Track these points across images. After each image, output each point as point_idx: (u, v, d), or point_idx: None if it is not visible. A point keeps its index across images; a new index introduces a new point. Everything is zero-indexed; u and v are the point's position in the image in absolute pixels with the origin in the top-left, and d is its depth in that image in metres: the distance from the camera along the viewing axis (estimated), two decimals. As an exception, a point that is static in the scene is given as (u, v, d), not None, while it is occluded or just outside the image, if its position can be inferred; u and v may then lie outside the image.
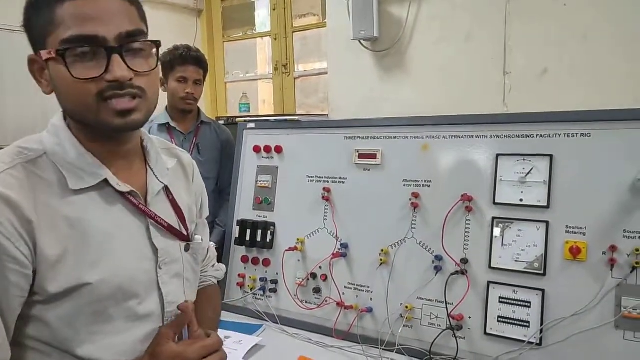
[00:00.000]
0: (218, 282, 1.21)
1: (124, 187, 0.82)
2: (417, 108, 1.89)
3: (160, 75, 2.07)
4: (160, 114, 2.10)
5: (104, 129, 0.77)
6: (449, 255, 1.38)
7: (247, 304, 1.75)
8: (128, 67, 0.74)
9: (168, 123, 2.07)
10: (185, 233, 0.92)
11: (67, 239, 0.75)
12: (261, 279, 1.74)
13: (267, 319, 1.67)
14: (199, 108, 2.17)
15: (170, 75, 2.04)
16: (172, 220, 0.90)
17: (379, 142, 1.60)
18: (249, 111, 3.02)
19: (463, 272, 1.36)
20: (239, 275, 1.78)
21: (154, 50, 0.81)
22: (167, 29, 3.06)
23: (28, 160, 0.76)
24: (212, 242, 2.02)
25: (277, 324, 1.64)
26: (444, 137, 1.49)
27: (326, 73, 2.56)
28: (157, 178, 0.89)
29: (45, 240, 0.72)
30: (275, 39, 2.95)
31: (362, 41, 2.19)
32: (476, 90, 1.94)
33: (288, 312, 1.66)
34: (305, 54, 2.99)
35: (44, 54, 0.74)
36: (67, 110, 0.81)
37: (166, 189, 0.92)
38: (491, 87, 1.90)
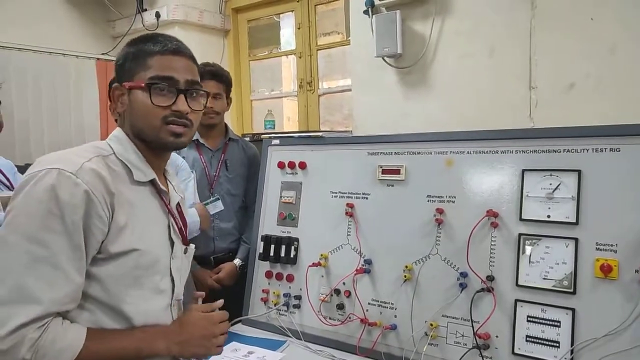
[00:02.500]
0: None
1: (163, 188, 1.09)
2: (442, 123, 1.89)
3: None
4: (188, 131, 2.15)
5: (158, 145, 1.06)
6: (474, 272, 1.36)
7: (271, 320, 1.75)
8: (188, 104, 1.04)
9: (197, 139, 2.11)
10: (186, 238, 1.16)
11: (128, 215, 0.99)
12: (285, 295, 1.75)
13: (290, 335, 1.66)
14: (226, 125, 2.21)
15: None
16: (178, 224, 1.14)
17: (403, 157, 1.60)
18: (274, 128, 3.06)
19: (489, 290, 1.33)
20: (262, 290, 1.79)
21: (204, 97, 1.10)
22: (196, 49, 3.13)
23: (103, 155, 1.00)
24: (237, 260, 2.06)
25: (301, 340, 1.63)
26: (468, 152, 1.47)
27: (350, 90, 2.59)
28: (175, 191, 1.16)
29: (118, 211, 0.96)
30: (300, 57, 2.99)
31: (385, 58, 2.21)
32: (501, 105, 1.93)
33: (311, 328, 1.66)
34: (329, 72, 3.03)
35: (130, 84, 1.02)
36: (135, 127, 1.05)
37: (178, 202, 1.17)
38: (517, 102, 1.88)
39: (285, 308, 1.74)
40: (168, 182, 1.15)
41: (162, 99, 1.02)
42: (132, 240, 0.98)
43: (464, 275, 1.38)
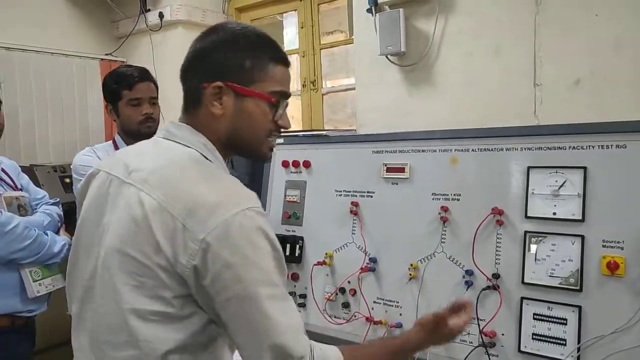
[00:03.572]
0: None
1: None
2: (446, 121, 1.88)
3: None
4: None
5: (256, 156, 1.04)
6: (480, 270, 1.36)
7: (276, 319, 1.75)
8: None
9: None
10: None
11: None
12: (290, 293, 1.74)
13: (295, 334, 1.66)
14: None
15: None
16: None
17: (407, 155, 1.60)
18: (277, 127, 3.06)
19: (495, 288, 1.33)
20: (268, 289, 1.79)
21: None
22: (198, 49, 3.14)
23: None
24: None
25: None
26: (473, 150, 1.47)
27: (354, 89, 2.58)
28: None
29: None
30: (303, 56, 2.99)
31: (389, 56, 2.20)
32: (506, 102, 1.92)
33: (317, 327, 1.66)
34: (332, 71, 3.02)
35: (249, 91, 0.92)
36: (235, 134, 0.95)
37: None
38: (521, 100, 1.87)
39: (290, 307, 1.73)
40: None
41: (279, 114, 0.96)
42: None
43: (469, 273, 1.37)
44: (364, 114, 2.37)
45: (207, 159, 0.94)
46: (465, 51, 2.03)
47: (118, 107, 1.80)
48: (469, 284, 1.37)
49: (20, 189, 1.70)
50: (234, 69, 0.93)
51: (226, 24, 1.04)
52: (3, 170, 1.67)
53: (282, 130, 0.99)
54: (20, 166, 3.00)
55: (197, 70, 0.96)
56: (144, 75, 1.84)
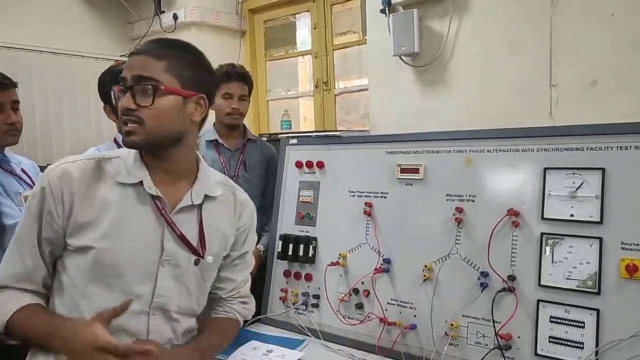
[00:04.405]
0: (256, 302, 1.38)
1: (153, 191, 1.06)
2: (460, 122, 1.87)
3: None
4: (208, 131, 2.16)
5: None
6: (495, 272, 1.35)
7: (289, 319, 1.75)
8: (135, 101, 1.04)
9: (216, 140, 2.13)
10: (197, 248, 1.12)
11: (96, 213, 1.02)
12: (303, 294, 1.75)
13: (309, 334, 1.67)
14: (244, 125, 2.22)
15: (217, 92, 2.11)
16: (192, 234, 1.11)
17: (421, 156, 1.59)
18: (290, 128, 3.07)
19: (511, 290, 1.32)
20: (281, 289, 1.79)
21: (152, 90, 1.06)
22: (212, 50, 3.15)
23: (106, 158, 1.08)
24: (260, 245, 2.05)
25: (320, 339, 1.63)
26: (488, 151, 1.46)
27: (366, 89, 2.58)
28: (191, 196, 1.12)
29: (80, 209, 1.01)
30: (316, 57, 3.00)
31: (402, 57, 2.20)
32: (521, 103, 1.90)
33: (330, 327, 1.66)
34: (345, 71, 3.03)
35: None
36: None
37: (199, 210, 1.13)
38: (537, 100, 1.86)
39: (304, 307, 1.74)
40: (191, 188, 1.13)
41: (120, 100, 1.05)
42: (92, 238, 1.02)
43: (484, 274, 1.36)
44: (377, 115, 2.37)
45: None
46: (479, 51, 2.02)
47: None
48: (484, 286, 1.36)
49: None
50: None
51: None
52: (23, 170, 1.70)
53: (126, 112, 1.03)
54: (38, 166, 3.05)
55: None
56: None
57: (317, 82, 2.99)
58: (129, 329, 1.04)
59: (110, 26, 3.43)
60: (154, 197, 1.07)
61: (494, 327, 1.30)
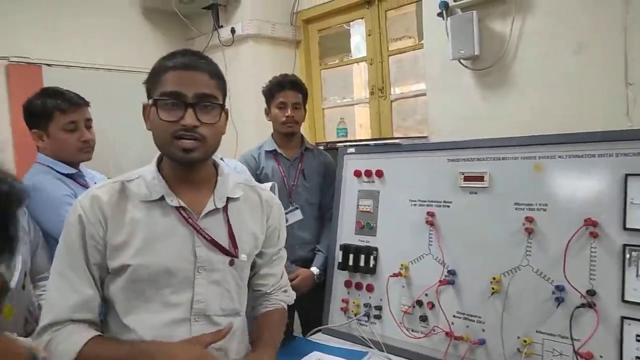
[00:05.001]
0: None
1: (175, 203, 1.09)
2: (525, 126, 1.79)
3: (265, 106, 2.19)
4: (267, 141, 2.20)
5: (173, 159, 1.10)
6: (572, 286, 1.26)
7: (351, 330, 1.74)
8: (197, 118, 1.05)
9: (275, 150, 2.16)
10: (229, 249, 1.13)
11: (128, 233, 1.05)
12: (365, 305, 1.73)
13: (372, 346, 1.64)
14: (302, 135, 2.23)
15: (272, 103, 2.14)
16: (222, 237, 1.13)
17: (486, 163, 1.53)
18: (346, 136, 3.06)
19: (591, 305, 1.23)
20: (342, 300, 1.78)
21: (218, 109, 1.10)
22: (268, 61, 3.23)
23: (128, 180, 1.10)
24: (314, 268, 2.06)
25: (383, 351, 1.60)
26: (559, 156, 1.38)
27: (423, 94, 2.53)
28: (214, 201, 1.13)
29: (114, 231, 1.04)
30: (371, 64, 2.97)
31: (461, 60, 2.13)
32: (593, 104, 1.80)
33: (393, 340, 1.62)
34: (401, 77, 2.98)
35: (148, 103, 1.08)
36: (156, 144, 1.10)
37: (224, 212, 1.15)
38: (611, 100, 1.75)
39: (365, 318, 1.72)
40: (213, 193, 1.14)
41: (170, 114, 1.03)
42: (127, 256, 1.04)
43: (560, 289, 1.28)
44: (436, 121, 2.32)
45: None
46: (544, 51, 1.93)
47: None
48: (559, 301, 1.28)
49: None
50: (147, 89, 1.10)
51: None
52: (95, 184, 1.79)
53: (189, 129, 1.03)
54: (107, 179, 3.21)
55: None
56: None
57: (373, 89, 2.97)
58: (173, 338, 1.05)
59: (171, 42, 3.57)
60: (178, 209, 1.09)
61: (573, 345, 1.22)
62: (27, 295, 1.41)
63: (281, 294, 1.36)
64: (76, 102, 1.69)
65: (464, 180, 1.56)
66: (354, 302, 1.76)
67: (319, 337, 1.77)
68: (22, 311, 1.34)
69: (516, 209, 1.43)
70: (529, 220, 1.38)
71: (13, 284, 1.29)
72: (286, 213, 2.08)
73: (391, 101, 2.91)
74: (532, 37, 1.96)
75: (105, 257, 1.05)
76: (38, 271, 1.51)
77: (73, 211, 1.05)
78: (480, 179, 1.53)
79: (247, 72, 3.20)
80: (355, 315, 1.74)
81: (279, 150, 2.15)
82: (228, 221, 1.15)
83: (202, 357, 1.00)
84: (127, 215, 1.06)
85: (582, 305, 1.24)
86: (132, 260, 1.04)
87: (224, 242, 1.13)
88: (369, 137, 3.01)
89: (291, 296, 1.40)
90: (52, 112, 1.64)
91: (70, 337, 1.00)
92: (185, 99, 1.03)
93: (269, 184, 2.02)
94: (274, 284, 1.33)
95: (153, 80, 1.07)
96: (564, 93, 1.87)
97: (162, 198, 1.08)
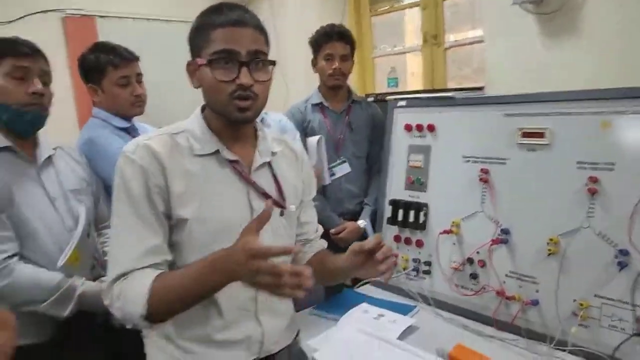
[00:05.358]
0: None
1: (231, 156, 1.10)
2: (594, 79, 1.66)
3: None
4: (313, 94, 2.16)
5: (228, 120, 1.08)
6: (638, 251, 1.20)
7: (400, 283, 1.75)
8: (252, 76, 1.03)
9: (321, 102, 2.12)
10: (279, 201, 1.15)
11: (186, 185, 1.04)
12: (414, 260, 1.73)
13: (420, 300, 1.65)
14: (349, 87, 2.18)
15: (318, 54, 2.08)
16: (271, 189, 1.15)
17: (547, 119, 1.44)
18: (397, 86, 2.96)
19: (656, 271, 1.17)
20: (391, 254, 1.78)
21: (270, 66, 1.08)
22: (316, 8, 3.12)
23: (173, 133, 1.09)
24: (361, 221, 2.06)
25: (431, 305, 1.62)
26: (634, 112, 1.28)
27: (481, 41, 2.38)
28: (259, 156, 1.15)
29: (173, 181, 1.03)
30: (424, 9, 2.81)
31: (523, 4, 1.98)
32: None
33: (442, 295, 1.63)
34: (456, 23, 2.81)
35: (198, 61, 1.04)
36: (208, 103, 1.10)
37: (269, 166, 1.17)
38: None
39: (414, 273, 1.72)
40: (256, 150, 1.14)
41: (225, 73, 1.02)
42: (186, 210, 1.03)
43: (623, 253, 1.23)
44: (493, 70, 2.20)
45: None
46: (621, -7, 1.75)
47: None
48: (622, 265, 1.23)
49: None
50: (192, 47, 1.07)
51: None
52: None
53: (245, 88, 1.02)
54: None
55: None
56: None
57: (426, 36, 2.82)
58: (239, 284, 1.03)
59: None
60: (231, 162, 1.10)
61: (634, 311, 1.18)
62: (92, 242, 1.49)
63: (321, 240, 1.38)
64: (127, 57, 1.70)
65: (522, 137, 1.49)
66: (402, 257, 1.76)
67: (367, 289, 1.81)
68: (88, 258, 1.43)
69: (578, 168, 1.35)
70: (593, 180, 1.31)
71: (78, 233, 1.37)
72: (333, 166, 2.08)
73: (445, 49, 2.77)
74: (606, -23, 1.78)
75: (170, 206, 1.03)
76: (101, 220, 1.60)
77: (129, 163, 1.02)
78: (540, 135, 1.45)
79: (294, 20, 3.12)
80: (404, 269, 1.75)
81: (325, 103, 2.12)
82: (274, 174, 1.17)
83: (244, 250, 0.90)
84: (182, 167, 1.05)
85: (647, 271, 1.18)
86: (192, 214, 1.04)
87: (273, 194, 1.15)
88: (421, 88, 2.90)
89: (324, 246, 1.40)
90: (105, 67, 1.67)
91: (139, 280, 0.98)
92: (239, 57, 1.02)
93: (316, 138, 2.01)
94: (315, 230, 1.36)
95: (200, 37, 1.04)
96: (638, 42, 1.71)
97: (217, 152, 1.09)
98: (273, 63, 1.08)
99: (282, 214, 1.17)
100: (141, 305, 0.95)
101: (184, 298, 0.98)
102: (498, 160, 1.54)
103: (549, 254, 1.37)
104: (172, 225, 1.04)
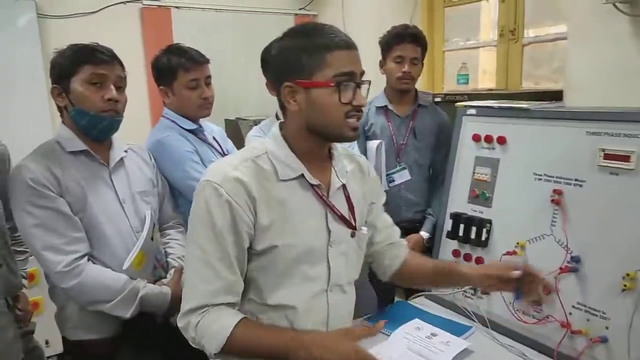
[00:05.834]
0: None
1: (314, 181, 1.11)
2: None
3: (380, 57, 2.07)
4: (378, 96, 2.11)
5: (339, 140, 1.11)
6: None
7: (456, 300, 1.69)
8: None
9: (386, 106, 2.07)
10: (353, 223, 1.17)
11: (274, 214, 1.05)
12: (473, 278, 1.66)
13: (475, 320, 1.59)
14: (416, 90, 2.10)
15: (388, 55, 2.02)
16: (344, 211, 1.16)
17: (635, 141, 1.31)
18: (467, 83, 2.82)
19: None
20: (449, 269, 1.73)
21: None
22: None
23: (255, 156, 1.08)
24: (423, 232, 2.02)
25: (487, 327, 1.55)
26: None
27: (564, 39, 2.20)
28: (337, 177, 1.16)
29: (262, 212, 1.04)
30: (503, 1, 2.64)
31: (617, 4, 1.79)
32: None
33: (500, 318, 1.56)
34: (537, 17, 2.60)
35: (313, 83, 1.02)
36: (313, 124, 1.06)
37: (343, 187, 1.17)
38: None
39: (472, 291, 1.66)
40: (332, 169, 1.16)
41: (347, 95, 1.03)
42: (275, 237, 1.05)
43: None
44: (575, 72, 2.03)
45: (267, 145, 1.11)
46: None
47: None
48: None
49: (226, 154, 1.89)
50: (295, 67, 1.03)
51: (289, 29, 1.10)
52: (214, 138, 1.88)
53: (360, 109, 1.04)
54: (227, 120, 3.38)
55: (273, 78, 1.13)
56: None
57: (503, 30, 2.65)
58: (313, 308, 1.13)
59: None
60: (313, 186, 1.11)
61: None
62: (155, 245, 1.56)
63: (403, 240, 1.42)
64: (198, 60, 1.74)
65: (604, 159, 1.36)
66: (461, 273, 1.70)
67: (421, 302, 1.76)
68: (150, 260, 1.50)
69: (669, 199, 1.22)
70: (682, 215, 1.18)
71: (144, 235, 1.44)
72: (392, 173, 2.03)
73: (523, 45, 2.59)
74: None
75: (256, 238, 1.05)
76: (164, 221, 1.66)
77: (215, 195, 1.01)
78: (625, 158, 1.32)
79: (365, 13, 3.05)
80: (463, 287, 1.68)
81: (389, 107, 2.06)
82: (348, 196, 1.19)
83: (357, 353, 0.99)
84: (270, 194, 1.05)
85: None
86: (280, 240, 1.06)
87: (346, 215, 1.17)
88: (493, 86, 2.74)
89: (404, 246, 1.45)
90: (176, 70, 1.72)
91: (220, 320, 1.02)
92: (355, 79, 1.04)
93: (376, 142, 1.97)
94: (398, 232, 1.40)
95: (311, 58, 1.02)
96: None
97: (301, 176, 1.09)
98: (369, 83, 1.10)
99: (353, 235, 1.18)
100: (218, 345, 1.00)
101: (258, 355, 1.02)
102: (574, 181, 1.43)
103: (624, 289, 1.26)
104: (255, 253, 1.07)
